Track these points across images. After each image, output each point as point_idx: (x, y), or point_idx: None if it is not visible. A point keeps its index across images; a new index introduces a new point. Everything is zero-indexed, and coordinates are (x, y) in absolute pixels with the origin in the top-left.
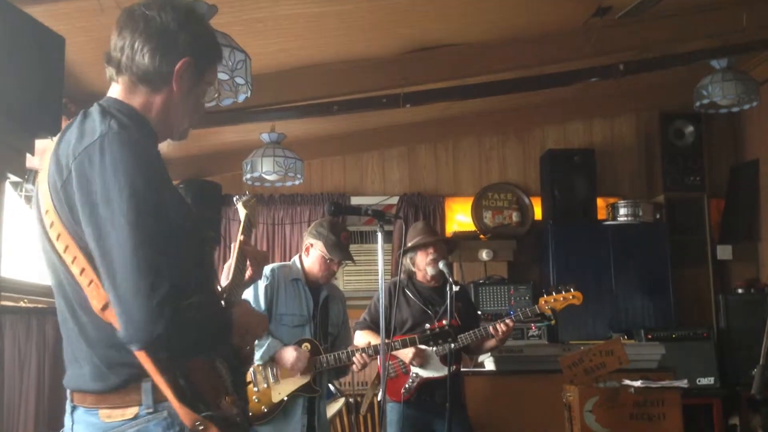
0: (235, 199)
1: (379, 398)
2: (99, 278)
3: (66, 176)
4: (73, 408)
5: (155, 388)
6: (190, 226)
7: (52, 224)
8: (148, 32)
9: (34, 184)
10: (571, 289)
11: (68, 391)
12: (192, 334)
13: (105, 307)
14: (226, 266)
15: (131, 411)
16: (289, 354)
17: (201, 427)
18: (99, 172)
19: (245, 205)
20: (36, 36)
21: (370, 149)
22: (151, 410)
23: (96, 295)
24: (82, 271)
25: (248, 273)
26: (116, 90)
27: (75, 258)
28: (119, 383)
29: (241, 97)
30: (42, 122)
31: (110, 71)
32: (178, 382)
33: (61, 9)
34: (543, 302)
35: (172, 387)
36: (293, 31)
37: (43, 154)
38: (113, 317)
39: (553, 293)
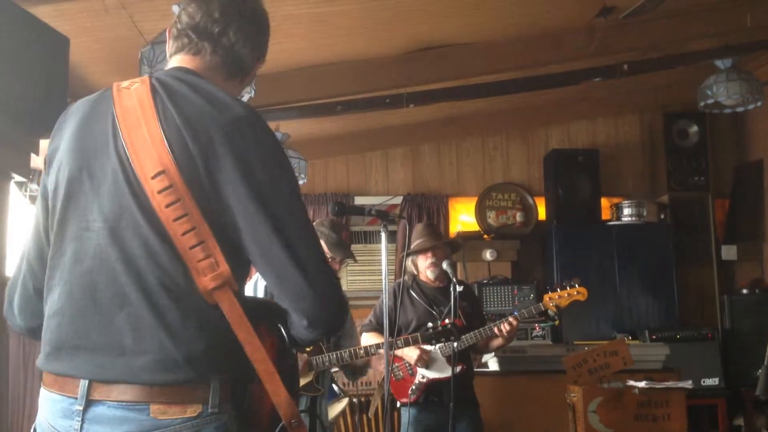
0: None
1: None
2: (225, 254)
3: (206, 141)
4: (88, 404)
5: (224, 386)
6: None
7: (167, 187)
8: (256, 25)
9: (39, 183)
10: (576, 285)
11: (82, 384)
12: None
13: (219, 287)
14: None
15: (194, 409)
16: None
17: (296, 425)
18: (258, 152)
19: None
20: (40, 36)
21: (374, 149)
22: (216, 410)
23: (211, 272)
24: (199, 243)
25: None
26: (196, 65)
27: (193, 228)
28: (187, 377)
29: (245, 98)
30: (46, 122)
31: (197, 45)
32: (285, 372)
33: (66, 9)
34: (548, 299)
35: (282, 377)
36: (296, 31)
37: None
38: (225, 298)
39: (558, 290)
